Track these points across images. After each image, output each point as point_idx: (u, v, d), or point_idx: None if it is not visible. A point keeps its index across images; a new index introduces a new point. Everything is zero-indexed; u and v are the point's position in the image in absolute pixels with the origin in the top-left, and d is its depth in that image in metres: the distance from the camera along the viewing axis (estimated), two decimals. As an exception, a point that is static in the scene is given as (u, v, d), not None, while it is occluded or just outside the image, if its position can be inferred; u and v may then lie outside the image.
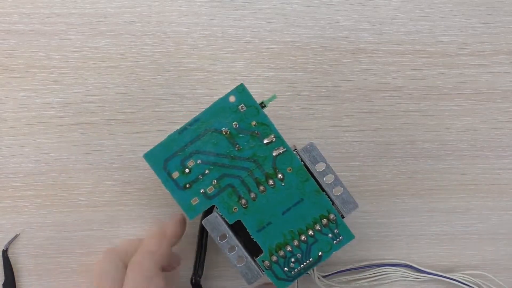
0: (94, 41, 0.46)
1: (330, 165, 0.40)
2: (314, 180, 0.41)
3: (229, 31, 0.46)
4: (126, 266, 0.41)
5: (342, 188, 0.41)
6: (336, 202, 0.41)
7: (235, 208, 0.40)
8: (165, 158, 0.40)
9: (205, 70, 0.46)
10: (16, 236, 0.45)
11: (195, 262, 0.44)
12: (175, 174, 0.40)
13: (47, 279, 0.46)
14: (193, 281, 0.44)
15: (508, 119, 0.48)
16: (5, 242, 0.45)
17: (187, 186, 0.40)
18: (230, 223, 0.40)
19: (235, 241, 0.40)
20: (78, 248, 0.46)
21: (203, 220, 0.40)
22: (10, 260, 0.45)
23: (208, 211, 0.41)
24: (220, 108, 0.40)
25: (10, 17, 0.45)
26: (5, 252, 0.45)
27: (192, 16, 0.46)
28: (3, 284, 0.44)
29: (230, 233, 0.40)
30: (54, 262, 0.46)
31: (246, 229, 0.40)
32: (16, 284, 0.45)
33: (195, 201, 0.40)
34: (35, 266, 0.45)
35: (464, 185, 0.48)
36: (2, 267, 0.45)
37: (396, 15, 0.48)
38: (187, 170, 0.40)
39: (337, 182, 0.41)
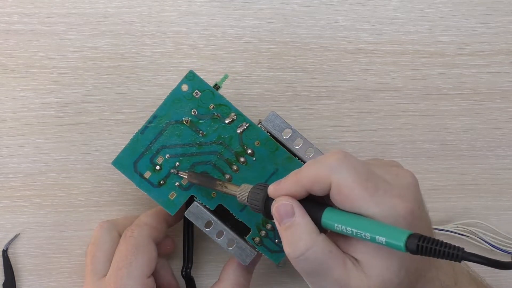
0: (94, 41, 0.46)
1: (297, 129, 0.41)
2: (284, 148, 0.41)
3: (229, 31, 0.46)
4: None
5: (313, 149, 0.41)
6: None
7: (213, 194, 0.40)
8: (134, 161, 0.40)
9: (205, 70, 0.46)
10: (16, 236, 0.45)
11: (184, 254, 0.44)
12: (147, 174, 0.40)
13: (47, 279, 0.46)
14: (184, 273, 0.44)
15: (508, 119, 0.48)
16: (5, 242, 0.45)
17: (161, 183, 0.40)
18: (212, 209, 0.41)
19: (221, 225, 0.40)
20: (78, 248, 0.46)
21: (185, 212, 0.40)
22: (10, 260, 0.45)
23: (189, 203, 0.41)
24: (175, 99, 0.40)
25: (10, 17, 0.45)
26: (5, 252, 0.45)
27: (192, 16, 0.46)
28: (3, 284, 0.44)
29: (215, 219, 0.40)
30: (54, 262, 0.46)
31: (229, 211, 0.41)
32: (16, 284, 0.45)
33: (172, 195, 0.40)
34: (35, 266, 0.45)
35: (464, 185, 0.48)
36: (2, 267, 0.45)
37: (396, 15, 0.48)
38: (158, 167, 0.40)
39: (307, 144, 0.41)
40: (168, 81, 0.46)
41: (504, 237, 0.48)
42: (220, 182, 0.38)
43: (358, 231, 0.31)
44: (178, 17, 0.46)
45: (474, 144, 0.48)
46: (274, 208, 0.33)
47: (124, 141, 0.40)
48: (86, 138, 0.46)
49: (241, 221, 0.41)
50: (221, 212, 0.41)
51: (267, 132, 0.41)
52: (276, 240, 0.41)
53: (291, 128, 0.41)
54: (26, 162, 0.45)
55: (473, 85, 0.48)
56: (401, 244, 0.29)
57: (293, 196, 0.33)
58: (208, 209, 0.40)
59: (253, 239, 0.41)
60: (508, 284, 0.48)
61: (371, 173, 0.32)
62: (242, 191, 0.36)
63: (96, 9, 0.46)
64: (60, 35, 0.45)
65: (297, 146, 0.41)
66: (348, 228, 0.31)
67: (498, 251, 0.47)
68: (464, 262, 0.36)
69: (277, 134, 0.41)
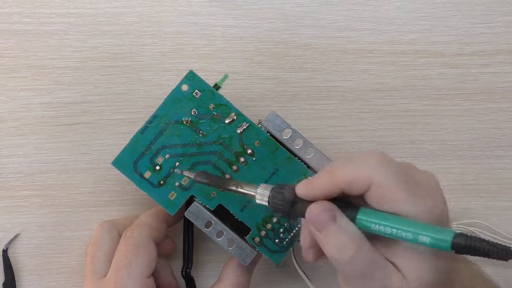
0: (94, 41, 0.46)
1: (296, 129, 0.41)
2: (284, 148, 0.41)
3: (229, 31, 0.46)
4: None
5: (313, 149, 0.41)
6: (311, 163, 0.41)
7: (213, 193, 0.41)
8: (134, 161, 0.40)
9: (205, 70, 0.46)
10: (16, 236, 0.45)
11: (184, 254, 0.44)
12: (147, 174, 0.40)
13: (47, 279, 0.46)
14: (184, 273, 0.44)
15: (508, 119, 0.48)
16: (5, 242, 0.45)
17: (161, 183, 0.40)
18: (212, 209, 0.41)
19: (221, 225, 0.40)
20: (78, 248, 0.46)
21: (185, 212, 0.40)
22: (10, 260, 0.45)
23: (189, 203, 0.41)
24: (175, 99, 0.40)
25: (10, 17, 0.45)
26: (5, 252, 0.45)
27: (192, 16, 0.46)
28: (3, 284, 0.44)
29: (215, 219, 0.40)
30: (54, 262, 0.46)
31: (229, 211, 0.41)
32: (16, 284, 0.45)
33: (172, 195, 0.40)
34: (35, 266, 0.45)
35: (464, 185, 0.48)
36: (2, 267, 0.45)
37: (396, 15, 0.48)
38: (158, 168, 0.40)
39: (307, 144, 0.41)
40: (168, 81, 0.46)
41: (504, 237, 0.48)
42: (234, 182, 0.37)
43: (399, 230, 0.30)
44: (178, 17, 0.46)
45: (474, 144, 0.48)
46: (313, 214, 0.32)
47: (124, 141, 0.40)
48: (86, 138, 0.46)
49: (241, 221, 0.41)
50: (221, 212, 0.41)
51: (267, 132, 0.41)
52: (276, 240, 0.41)
53: (291, 128, 0.41)
54: (26, 162, 0.45)
55: (473, 85, 0.48)
56: (448, 243, 0.29)
57: (326, 196, 0.33)
58: (208, 209, 0.40)
59: (253, 239, 0.41)
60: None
61: (407, 174, 0.32)
62: (262, 192, 0.35)
63: (96, 9, 0.46)
64: (60, 35, 0.45)
65: (297, 146, 0.41)
66: (387, 228, 0.30)
67: None
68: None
69: (277, 134, 0.41)
